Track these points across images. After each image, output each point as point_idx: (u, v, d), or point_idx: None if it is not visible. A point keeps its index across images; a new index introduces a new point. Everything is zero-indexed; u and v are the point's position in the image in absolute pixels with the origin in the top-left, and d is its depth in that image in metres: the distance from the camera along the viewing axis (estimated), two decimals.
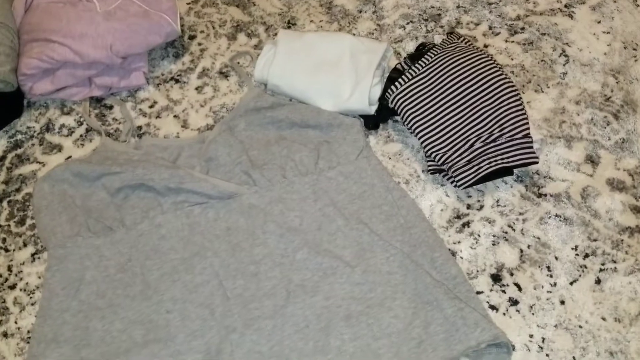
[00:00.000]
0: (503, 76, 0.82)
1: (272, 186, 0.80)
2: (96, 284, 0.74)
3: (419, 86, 0.84)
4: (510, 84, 0.82)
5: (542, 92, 0.91)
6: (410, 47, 0.98)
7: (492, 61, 0.83)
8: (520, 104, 0.81)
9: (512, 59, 0.95)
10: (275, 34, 1.01)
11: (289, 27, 1.02)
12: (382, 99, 0.87)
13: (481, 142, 0.79)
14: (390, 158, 0.85)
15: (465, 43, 0.88)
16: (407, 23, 1.02)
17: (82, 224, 0.77)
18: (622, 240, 0.76)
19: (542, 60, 0.95)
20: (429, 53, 0.86)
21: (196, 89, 0.94)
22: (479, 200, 0.80)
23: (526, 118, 0.80)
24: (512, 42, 0.98)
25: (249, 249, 0.74)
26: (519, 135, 0.79)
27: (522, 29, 1.00)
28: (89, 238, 0.77)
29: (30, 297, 0.75)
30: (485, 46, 0.97)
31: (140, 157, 0.81)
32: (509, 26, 1.00)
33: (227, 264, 0.74)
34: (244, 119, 0.87)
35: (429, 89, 0.83)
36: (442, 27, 1.01)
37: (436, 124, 0.81)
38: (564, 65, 0.95)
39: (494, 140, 0.79)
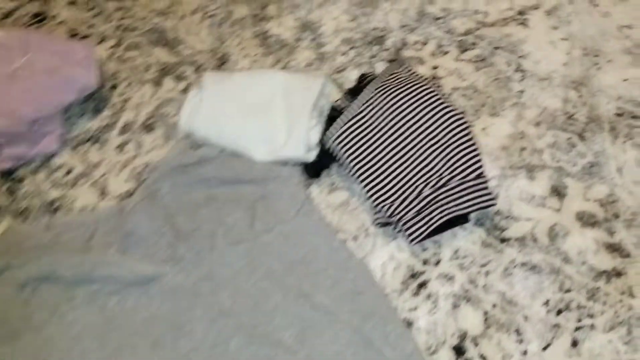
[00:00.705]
0: (450, 109, 0.73)
1: (200, 261, 0.71)
2: None
3: (358, 127, 0.75)
4: (459, 117, 0.73)
5: (498, 115, 0.82)
6: (353, 75, 0.89)
7: (436, 92, 0.75)
8: (471, 140, 0.72)
9: (463, 80, 0.86)
10: None
11: (221, 65, 0.92)
12: (322, 143, 0.78)
13: (430, 187, 0.70)
14: (335, 210, 0.76)
15: (408, 72, 0.79)
16: (350, 49, 0.93)
17: None
18: (598, 288, 0.67)
19: (496, 79, 0.86)
20: (368, 87, 0.77)
21: (117, 147, 0.84)
22: (435, 254, 0.71)
23: (478, 155, 0.71)
24: (463, 60, 0.89)
25: (172, 342, 0.65)
26: (472, 176, 0.70)
27: (473, 44, 0.91)
28: None
29: None
30: (435, 67, 0.88)
31: (51, 240, 0.72)
32: (458, 42, 0.91)
33: None
34: (168, 180, 0.77)
35: (369, 130, 0.74)
36: (386, 50, 0.92)
37: (380, 171, 0.72)
38: (520, 81, 0.86)
39: (444, 185, 0.70)
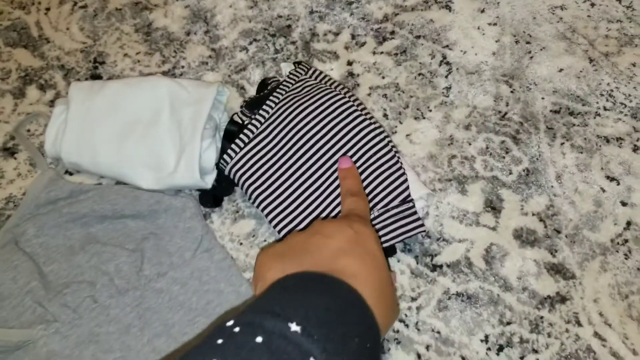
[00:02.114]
0: (366, 123, 0.62)
1: (79, 319, 0.58)
2: None
3: (259, 151, 0.63)
4: (377, 132, 0.62)
5: (424, 118, 0.72)
6: (255, 76, 0.76)
7: (350, 103, 0.64)
8: (393, 158, 0.61)
9: (383, 77, 0.75)
10: (79, 79, 0.76)
11: (95, 67, 0.77)
12: (221, 165, 0.65)
13: None
14: (241, 243, 0.65)
15: (316, 77, 0.67)
16: (250, 43, 0.79)
17: None
18: (542, 317, 0.59)
19: (419, 74, 0.76)
20: (269, 100, 0.65)
21: None
22: None
23: (402, 175, 0.61)
24: (382, 53, 0.78)
25: None
26: (396, 202, 0.60)
27: (392, 33, 0.80)
28: None
29: None
30: (350, 63, 0.77)
31: None
32: (375, 32, 0.80)
33: None
34: (34, 220, 0.63)
35: (272, 154, 0.62)
36: (293, 43, 0.79)
37: (286, 202, 0.61)
38: (446, 77, 0.76)
39: None
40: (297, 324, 0.35)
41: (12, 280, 0.60)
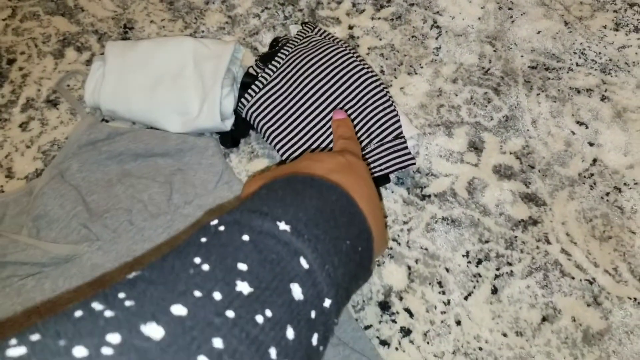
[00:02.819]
0: (365, 70, 0.72)
1: (118, 238, 0.68)
2: None
3: (272, 94, 0.72)
4: (374, 79, 0.72)
5: (416, 73, 0.82)
6: (267, 38, 0.86)
7: (351, 54, 0.73)
8: (388, 101, 0.71)
9: (380, 39, 0.85)
10: None
11: (125, 32, 0.87)
12: (238, 111, 0.75)
13: None
14: None
15: (321, 35, 0.77)
16: (262, 10, 0.89)
17: None
18: (516, 237, 0.69)
19: (412, 36, 0.85)
20: (280, 53, 0.75)
21: (20, 125, 0.79)
22: None
23: (396, 116, 0.70)
24: (379, 18, 0.88)
25: None
26: (390, 138, 0.69)
27: (389, 1, 0.89)
28: None
29: None
30: (351, 27, 0.87)
31: None
32: (373, 0, 0.90)
33: None
34: (77, 158, 0.73)
35: (283, 97, 0.72)
36: (301, 10, 0.89)
37: (296, 138, 0.71)
38: (436, 38, 0.85)
39: (363, 148, 0.69)
40: (287, 223, 0.33)
41: (60, 207, 0.70)
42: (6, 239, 0.66)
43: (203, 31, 0.87)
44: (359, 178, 0.46)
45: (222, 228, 0.33)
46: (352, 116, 0.70)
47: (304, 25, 0.79)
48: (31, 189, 0.72)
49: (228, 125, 0.75)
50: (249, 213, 0.34)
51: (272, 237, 0.32)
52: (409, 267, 0.67)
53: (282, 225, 0.33)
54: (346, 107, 0.70)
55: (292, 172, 0.43)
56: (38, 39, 0.87)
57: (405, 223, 0.70)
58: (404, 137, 0.70)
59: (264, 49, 0.85)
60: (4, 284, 0.64)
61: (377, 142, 0.69)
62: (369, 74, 0.72)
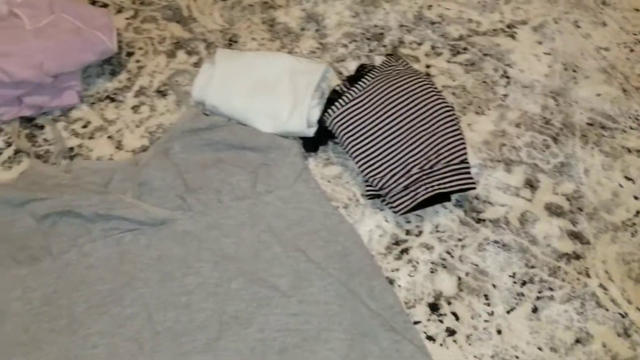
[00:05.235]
0: (441, 101, 0.81)
1: (207, 211, 0.77)
2: (20, 317, 0.70)
3: (356, 109, 0.82)
4: (448, 109, 0.81)
5: (483, 114, 0.91)
6: (352, 66, 0.97)
7: (430, 85, 0.83)
8: (458, 130, 0.80)
9: (453, 80, 0.95)
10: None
11: (230, 45, 0.99)
12: (321, 121, 0.85)
13: (418, 168, 0.78)
14: (329, 181, 0.83)
15: (404, 66, 0.88)
16: (350, 42, 1.01)
17: (4, 253, 0.73)
18: (559, 267, 0.76)
19: (483, 82, 0.95)
20: (367, 75, 0.85)
21: (132, 108, 0.90)
22: (417, 226, 0.79)
23: (464, 143, 0.79)
24: (454, 62, 0.98)
25: (181, 278, 0.71)
26: (456, 161, 0.78)
27: (465, 49, 1.00)
28: (13, 268, 0.72)
29: None
30: (428, 66, 0.97)
31: (70, 181, 0.78)
32: (451, 46, 1.00)
33: (157, 295, 0.71)
34: (180, 141, 0.84)
35: (366, 113, 0.82)
36: (384, 46, 1.00)
37: (373, 149, 0.80)
38: (505, 86, 0.95)
39: (431, 167, 0.78)
40: None
41: (161, 179, 0.80)
42: (114, 196, 0.76)
43: (297, 52, 0.99)
44: None
45: None
46: (425, 137, 0.79)
47: (388, 55, 0.90)
48: (137, 161, 0.82)
49: (312, 132, 0.85)
50: None
51: None
52: (459, 278, 0.75)
53: None
54: (421, 129, 0.79)
55: None
56: (155, 39, 1.00)
57: (459, 240, 0.78)
58: (468, 163, 0.79)
59: (348, 74, 0.95)
60: (107, 234, 0.74)
61: (444, 163, 0.78)
62: (444, 104, 0.81)
